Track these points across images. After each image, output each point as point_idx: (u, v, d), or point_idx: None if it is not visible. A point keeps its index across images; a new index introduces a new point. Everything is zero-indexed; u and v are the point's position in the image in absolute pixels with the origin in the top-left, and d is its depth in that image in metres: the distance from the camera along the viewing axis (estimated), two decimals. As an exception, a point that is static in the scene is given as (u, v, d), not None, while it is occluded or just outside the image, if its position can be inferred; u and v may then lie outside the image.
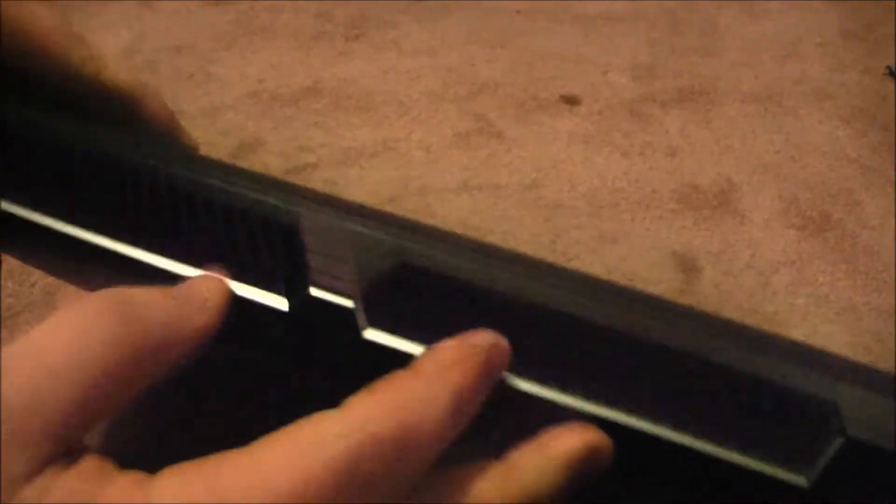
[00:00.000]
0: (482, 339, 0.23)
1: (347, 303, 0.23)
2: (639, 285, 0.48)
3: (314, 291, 0.23)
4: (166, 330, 0.21)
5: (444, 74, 0.68)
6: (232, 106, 0.63)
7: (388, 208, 0.53)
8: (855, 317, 0.47)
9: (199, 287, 0.23)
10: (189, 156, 0.27)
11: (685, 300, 0.47)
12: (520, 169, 0.57)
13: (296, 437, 0.19)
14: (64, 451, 0.19)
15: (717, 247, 0.51)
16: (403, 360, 0.23)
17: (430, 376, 0.22)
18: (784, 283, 0.49)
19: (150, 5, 0.77)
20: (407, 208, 0.53)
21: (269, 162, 0.57)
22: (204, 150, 0.59)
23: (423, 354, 0.23)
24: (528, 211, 0.54)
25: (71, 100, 0.30)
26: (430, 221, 0.52)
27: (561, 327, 0.23)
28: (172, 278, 0.25)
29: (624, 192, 0.56)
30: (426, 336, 0.23)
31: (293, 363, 0.24)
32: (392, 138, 0.60)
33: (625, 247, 0.51)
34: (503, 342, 0.23)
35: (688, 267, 0.50)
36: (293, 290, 0.24)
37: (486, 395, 0.23)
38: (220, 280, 0.24)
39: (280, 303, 0.24)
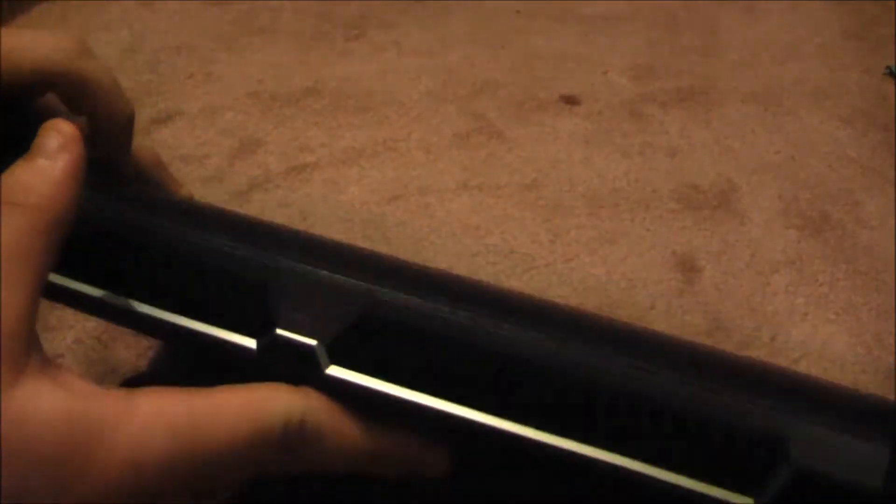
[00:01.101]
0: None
1: (310, 342, 0.25)
2: (639, 285, 0.48)
3: (280, 332, 0.25)
4: (53, 196, 0.23)
5: (444, 74, 0.68)
6: (232, 106, 0.63)
7: (389, 208, 0.53)
8: (855, 317, 0.47)
9: (52, 138, 0.25)
10: (160, 204, 0.28)
11: (685, 300, 0.47)
12: (520, 169, 0.57)
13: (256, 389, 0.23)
14: (38, 362, 0.20)
15: (717, 247, 0.51)
16: (365, 395, 0.24)
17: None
18: (784, 283, 0.49)
19: (150, 5, 0.77)
20: (407, 208, 0.53)
21: (269, 162, 0.57)
22: (204, 150, 0.59)
23: None
24: (528, 211, 0.53)
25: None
26: (430, 221, 0.52)
27: (514, 366, 0.24)
28: (149, 322, 0.26)
29: (624, 192, 0.56)
30: (388, 374, 0.24)
31: None
32: (392, 138, 0.60)
33: (625, 247, 0.51)
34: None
35: (688, 267, 0.50)
36: (260, 331, 0.25)
37: None
38: (65, 122, 0.25)
39: (248, 342, 0.25)
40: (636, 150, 0.60)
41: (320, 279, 0.25)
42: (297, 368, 0.25)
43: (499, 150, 0.59)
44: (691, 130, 0.62)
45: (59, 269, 0.27)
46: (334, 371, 0.25)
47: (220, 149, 0.58)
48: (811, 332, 0.45)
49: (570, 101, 0.65)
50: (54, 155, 0.24)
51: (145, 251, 0.27)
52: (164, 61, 0.69)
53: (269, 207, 0.52)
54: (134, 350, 0.43)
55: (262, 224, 0.29)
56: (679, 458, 0.23)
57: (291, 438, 0.22)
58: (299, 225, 0.51)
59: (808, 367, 0.43)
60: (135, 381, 0.41)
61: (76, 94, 0.29)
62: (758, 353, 0.44)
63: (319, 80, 0.66)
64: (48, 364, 0.21)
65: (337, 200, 0.54)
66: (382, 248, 0.49)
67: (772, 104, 0.66)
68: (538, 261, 0.49)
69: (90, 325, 0.44)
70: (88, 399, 0.20)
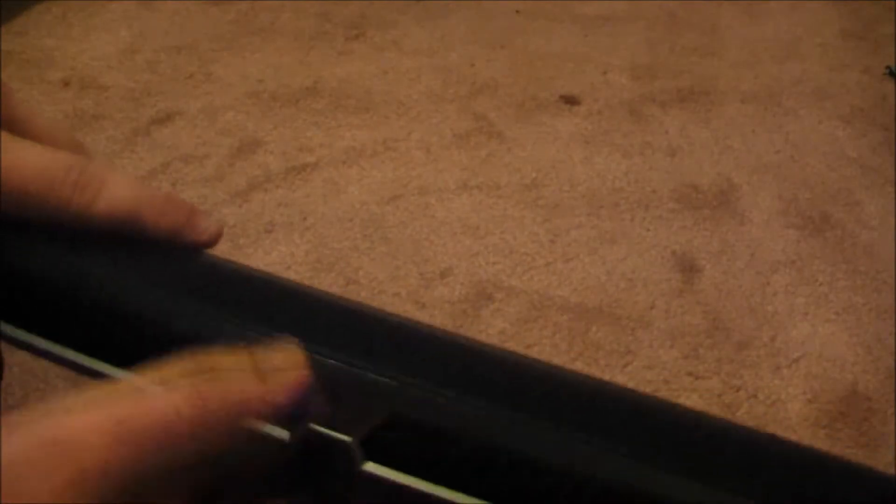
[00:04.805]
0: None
1: (345, 438, 0.24)
2: (639, 285, 0.48)
3: (313, 426, 0.25)
4: (245, 399, 0.22)
5: (444, 74, 0.68)
6: (232, 106, 0.63)
7: (389, 208, 0.53)
8: (855, 317, 0.47)
9: (281, 359, 0.24)
10: (187, 291, 0.27)
11: (685, 300, 0.47)
12: (519, 169, 0.57)
13: None
14: None
15: (717, 247, 0.51)
16: (401, 492, 0.24)
17: None
18: (784, 283, 0.49)
19: (150, 5, 0.77)
20: (407, 208, 0.53)
21: (269, 162, 0.57)
22: (204, 150, 0.59)
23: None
24: (528, 211, 0.54)
25: (70, 230, 0.29)
26: (430, 221, 0.52)
27: (534, 472, 0.24)
28: None
29: (624, 192, 0.56)
30: (421, 469, 0.24)
31: (293, 493, 0.25)
32: (392, 138, 0.60)
33: (625, 247, 0.51)
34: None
35: (688, 267, 0.50)
36: (292, 423, 0.25)
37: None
38: (298, 352, 0.24)
39: (281, 434, 0.25)
40: (636, 150, 0.60)
41: (351, 376, 0.25)
42: (332, 463, 0.25)
43: (499, 150, 0.59)
44: (691, 130, 0.62)
45: (86, 350, 0.27)
46: (370, 468, 0.25)
47: (220, 149, 0.58)
48: (811, 332, 0.45)
49: (570, 101, 0.65)
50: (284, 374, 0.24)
51: (160, 339, 0.26)
52: (164, 61, 0.69)
53: (269, 207, 0.52)
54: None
55: (283, 296, 0.28)
56: None
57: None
58: (299, 224, 0.51)
59: (808, 367, 0.43)
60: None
61: (128, 234, 0.28)
62: (758, 352, 0.44)
63: (319, 80, 0.66)
64: None
65: (337, 200, 0.54)
66: (382, 248, 0.50)
67: (772, 104, 0.66)
68: (538, 261, 0.49)
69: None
70: None
